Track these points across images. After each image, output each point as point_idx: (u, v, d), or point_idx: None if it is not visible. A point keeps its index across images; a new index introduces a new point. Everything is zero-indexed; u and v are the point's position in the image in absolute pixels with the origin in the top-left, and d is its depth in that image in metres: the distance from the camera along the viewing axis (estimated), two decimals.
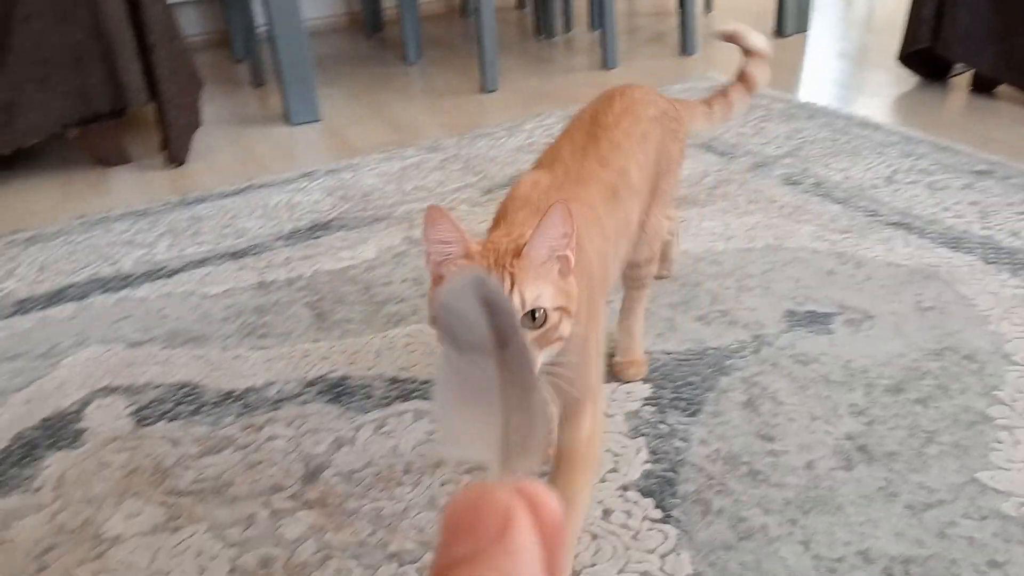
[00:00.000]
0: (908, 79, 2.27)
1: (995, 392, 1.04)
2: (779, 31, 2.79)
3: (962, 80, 2.21)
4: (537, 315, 0.72)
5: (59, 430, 1.10)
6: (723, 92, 1.22)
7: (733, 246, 1.44)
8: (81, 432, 1.09)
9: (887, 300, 1.25)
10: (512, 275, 0.73)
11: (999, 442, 0.96)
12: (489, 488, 0.30)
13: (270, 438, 1.05)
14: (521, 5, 3.51)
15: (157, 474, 1.00)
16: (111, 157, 2.03)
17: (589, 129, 0.98)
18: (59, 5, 1.82)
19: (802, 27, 2.83)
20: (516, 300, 0.72)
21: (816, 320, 1.21)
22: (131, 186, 1.92)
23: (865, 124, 1.94)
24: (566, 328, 0.75)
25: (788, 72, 2.47)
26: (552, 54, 2.83)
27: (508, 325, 0.30)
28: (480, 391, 0.31)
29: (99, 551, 0.90)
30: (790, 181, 1.67)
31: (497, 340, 0.31)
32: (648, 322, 1.22)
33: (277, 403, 1.11)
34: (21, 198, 1.89)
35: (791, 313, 1.23)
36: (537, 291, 0.73)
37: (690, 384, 1.09)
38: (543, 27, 3.04)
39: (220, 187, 1.84)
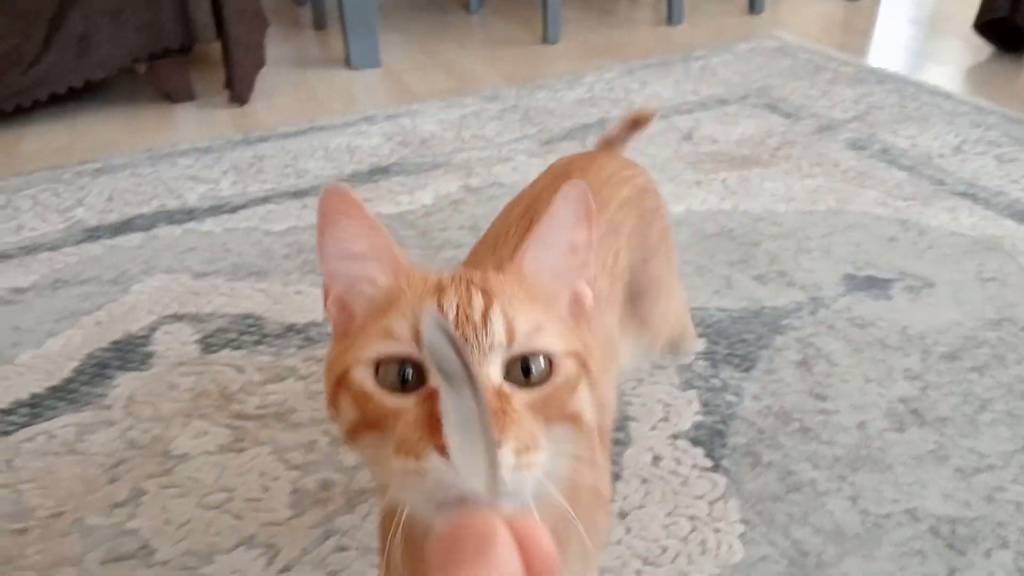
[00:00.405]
0: (982, 48, 2.20)
1: None
2: None
3: None
4: (535, 365, 0.45)
5: (128, 352, 1.14)
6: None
7: (794, 208, 1.43)
8: (150, 355, 1.13)
9: (948, 269, 1.24)
10: (485, 291, 0.46)
11: None
12: (469, 513, 0.34)
13: None
14: None
15: (222, 398, 1.04)
16: (177, 93, 2.06)
17: (533, 219, 0.66)
18: None
19: None
20: (497, 330, 0.44)
21: (875, 285, 1.21)
22: (195, 122, 1.96)
23: (935, 92, 1.90)
24: (585, 398, 0.47)
25: (859, 36, 2.42)
26: (616, 7, 2.80)
27: (470, 365, 0.33)
28: (468, 423, 0.34)
29: (167, 467, 0.94)
30: (856, 146, 1.65)
31: (468, 376, 0.33)
32: (704, 279, 1.23)
33: None
34: (90, 130, 1.94)
35: (850, 277, 1.23)
36: (534, 320, 0.46)
37: (744, 341, 1.10)
38: None
39: (282, 127, 1.87)
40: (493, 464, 0.35)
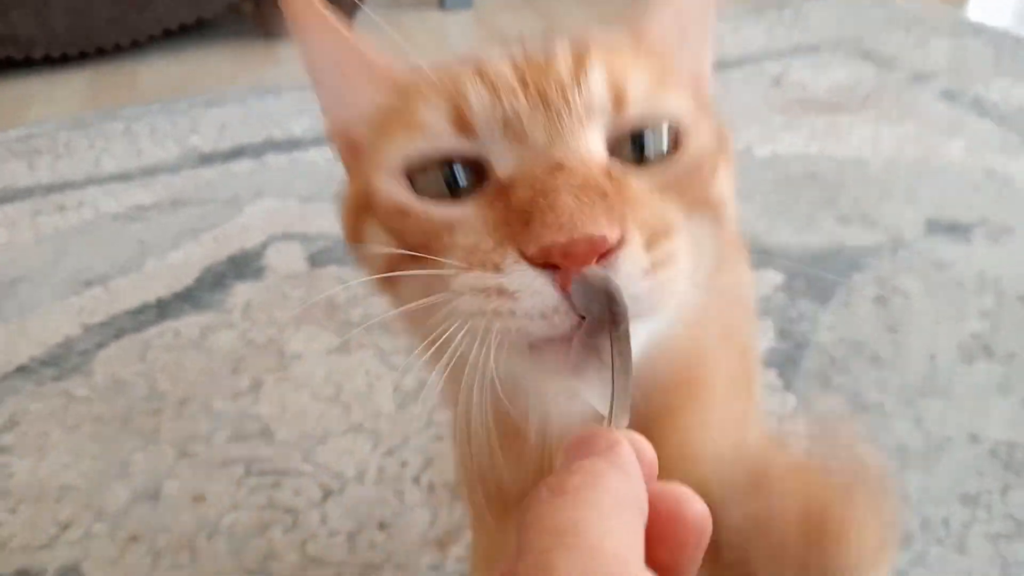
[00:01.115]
0: None
1: None
2: None
3: None
4: (654, 137, 0.36)
5: (243, 265, 1.25)
6: None
7: (881, 154, 1.45)
8: (263, 268, 1.23)
9: None
10: (575, 43, 0.37)
11: None
12: (598, 427, 0.32)
13: None
14: None
15: (330, 307, 1.13)
16: (279, 30, 2.16)
17: None
18: None
19: None
20: (597, 88, 0.35)
21: (956, 229, 1.23)
22: (297, 59, 2.05)
23: None
24: (727, 187, 0.39)
25: None
26: None
27: (623, 324, 0.31)
28: (602, 365, 0.33)
29: (283, 364, 1.04)
30: (948, 96, 1.65)
31: (615, 330, 0.31)
32: (786, 216, 1.27)
33: None
34: (201, 64, 2.05)
35: (932, 221, 1.25)
36: (653, 77, 0.36)
37: (822, 279, 1.14)
38: None
39: None
40: (622, 408, 0.32)
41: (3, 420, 0.99)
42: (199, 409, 0.98)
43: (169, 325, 1.12)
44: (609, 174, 0.34)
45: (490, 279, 0.31)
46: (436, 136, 0.35)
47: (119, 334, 1.12)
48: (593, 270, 0.31)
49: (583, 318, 0.32)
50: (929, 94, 1.66)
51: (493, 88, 0.35)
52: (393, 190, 0.36)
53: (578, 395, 0.33)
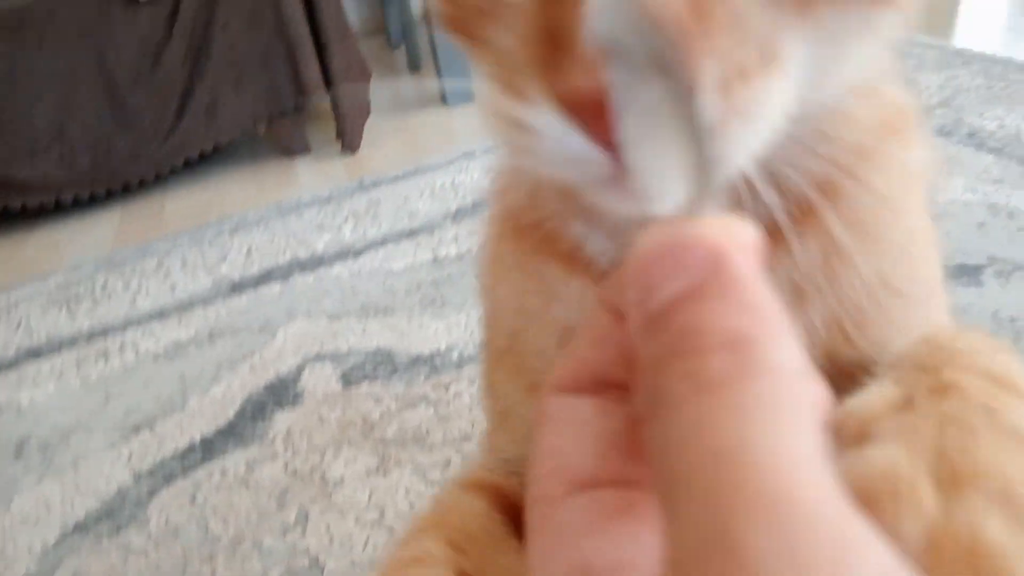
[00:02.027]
0: None
1: None
2: None
3: None
4: None
5: (281, 392, 1.30)
6: None
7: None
8: (300, 394, 1.28)
9: None
10: None
11: None
12: (682, 224, 0.22)
13: (456, 395, 1.20)
14: None
15: (366, 426, 1.18)
16: (295, 148, 2.26)
17: None
18: (248, 12, 2.04)
19: None
20: None
21: (966, 272, 1.25)
22: (314, 174, 2.14)
23: (1022, 69, 1.90)
24: None
25: (943, 15, 2.40)
26: None
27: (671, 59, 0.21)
28: (659, 130, 0.22)
29: (327, 491, 1.08)
30: (943, 132, 1.68)
31: (660, 71, 0.22)
32: None
33: (460, 364, 1.27)
34: (222, 189, 2.15)
35: (942, 266, 1.27)
36: None
37: None
38: None
39: (391, 171, 2.02)
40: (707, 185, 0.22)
41: None
42: (251, 548, 1.02)
43: (216, 464, 1.17)
44: None
45: (513, 109, 0.25)
46: None
47: (169, 479, 1.17)
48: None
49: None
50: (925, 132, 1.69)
51: None
52: None
53: (637, 184, 0.23)
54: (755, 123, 0.24)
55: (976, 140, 1.62)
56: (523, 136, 0.25)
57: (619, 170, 0.23)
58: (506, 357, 0.38)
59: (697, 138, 0.22)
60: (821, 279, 0.34)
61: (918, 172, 0.42)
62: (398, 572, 0.36)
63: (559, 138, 0.23)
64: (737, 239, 0.22)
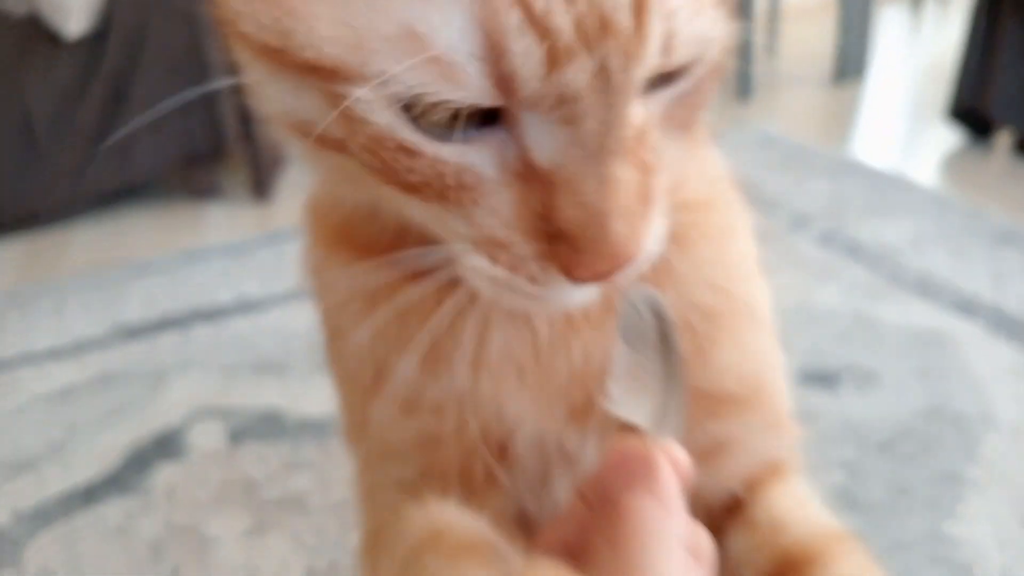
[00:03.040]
0: (958, 134, 2.35)
1: (973, 452, 1.18)
2: (837, 76, 2.90)
3: (1008, 140, 2.30)
4: (686, 70, 0.33)
5: (167, 444, 1.31)
6: None
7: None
8: (185, 447, 1.30)
9: (892, 362, 1.38)
10: None
11: (966, 497, 1.10)
12: (635, 443, 0.36)
13: (341, 463, 1.24)
14: None
15: (248, 486, 1.21)
16: (206, 191, 2.28)
17: None
18: (171, 59, 2.07)
19: (858, 73, 2.93)
20: (653, 40, 0.29)
21: (824, 379, 1.36)
22: (223, 220, 2.16)
23: (901, 184, 2.06)
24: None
25: (839, 123, 2.59)
26: None
27: (671, 337, 0.37)
28: (645, 377, 0.37)
29: (202, 547, 1.10)
30: (824, 240, 1.81)
31: (663, 344, 0.37)
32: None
33: None
34: (130, 229, 2.15)
35: (803, 371, 1.38)
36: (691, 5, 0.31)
37: None
38: None
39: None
40: (675, 423, 0.38)
41: None
42: None
43: (97, 511, 1.18)
44: (642, 141, 0.31)
45: (526, 287, 0.30)
46: (464, 84, 0.27)
47: (48, 522, 1.18)
48: (638, 290, 0.35)
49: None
50: (807, 239, 1.82)
51: (548, 42, 0.26)
52: (396, 126, 0.29)
53: (617, 409, 0.36)
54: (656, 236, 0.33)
55: (852, 250, 1.76)
56: (528, 292, 0.31)
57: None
58: (375, 388, 0.43)
59: (674, 388, 0.37)
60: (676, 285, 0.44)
61: (737, 223, 0.52)
62: (451, 565, 0.37)
63: (570, 297, 0.32)
64: (673, 458, 0.36)
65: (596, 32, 0.26)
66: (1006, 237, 1.77)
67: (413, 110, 0.28)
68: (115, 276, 1.88)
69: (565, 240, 0.30)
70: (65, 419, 1.40)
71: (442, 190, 0.29)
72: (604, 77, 0.28)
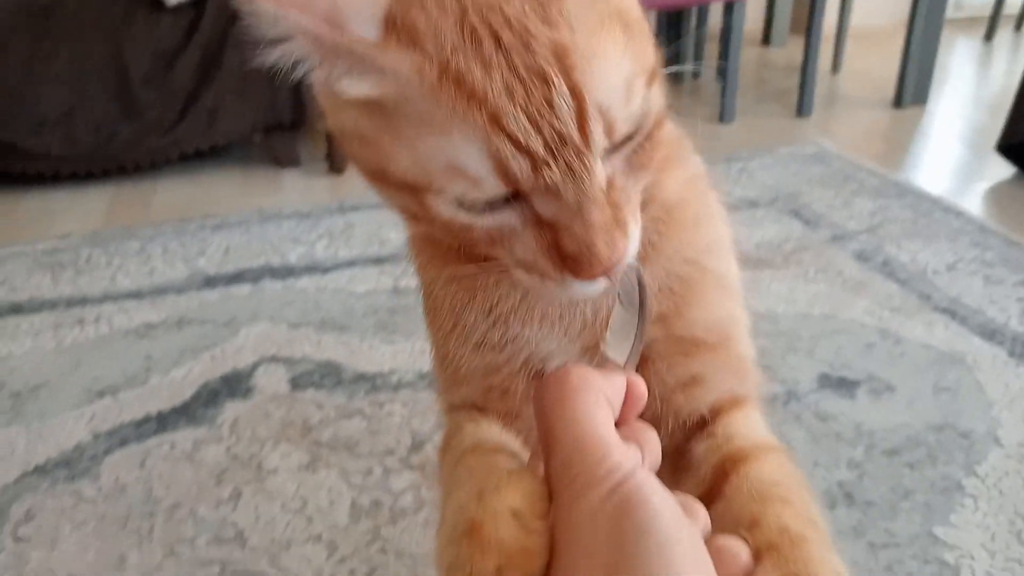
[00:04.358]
0: (1011, 167, 2.39)
1: (975, 467, 1.26)
2: (897, 101, 2.94)
3: None
4: (631, 139, 0.45)
5: (235, 384, 1.45)
6: None
7: (793, 310, 1.67)
8: (251, 388, 1.44)
9: (911, 377, 1.46)
10: (570, 84, 0.41)
11: (962, 506, 1.18)
12: (612, 365, 0.50)
13: (389, 414, 1.37)
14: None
15: (305, 427, 1.34)
16: (285, 160, 2.42)
17: None
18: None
19: (920, 99, 2.96)
20: (597, 137, 0.42)
21: (844, 385, 1.44)
22: (299, 187, 2.30)
23: (948, 209, 2.12)
24: (656, 98, 0.47)
25: (894, 147, 2.64)
26: (675, 100, 3.06)
27: (645, 300, 0.52)
28: (627, 328, 0.52)
29: (260, 477, 1.24)
30: (861, 256, 1.88)
31: (640, 305, 0.52)
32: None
33: (397, 387, 1.43)
34: (211, 187, 2.30)
35: (825, 376, 1.46)
36: (625, 86, 0.43)
37: None
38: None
39: (371, 199, 2.18)
40: (635, 356, 0.52)
41: (22, 513, 1.18)
42: (186, 514, 1.17)
43: (167, 437, 1.32)
44: (611, 187, 0.45)
45: (554, 287, 0.46)
46: (490, 187, 0.42)
47: (124, 443, 1.32)
48: (631, 266, 0.48)
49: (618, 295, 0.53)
50: (845, 254, 1.89)
51: (532, 159, 0.41)
52: (455, 214, 0.44)
53: (606, 350, 0.51)
54: (634, 239, 0.47)
55: (888, 268, 1.83)
56: (552, 288, 0.47)
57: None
58: (452, 332, 0.59)
59: (638, 332, 0.52)
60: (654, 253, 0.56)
61: (708, 214, 0.64)
62: (476, 460, 0.52)
63: (585, 289, 0.46)
64: (633, 382, 0.48)
65: (557, 145, 0.41)
66: None
67: (464, 203, 0.44)
68: (196, 228, 2.03)
69: (571, 259, 0.44)
70: (143, 353, 1.55)
71: (491, 239, 0.46)
72: (569, 169, 0.42)
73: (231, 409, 1.39)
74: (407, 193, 0.45)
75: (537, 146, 0.41)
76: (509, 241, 0.45)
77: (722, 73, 2.88)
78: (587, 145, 0.42)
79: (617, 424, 0.47)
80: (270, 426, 1.34)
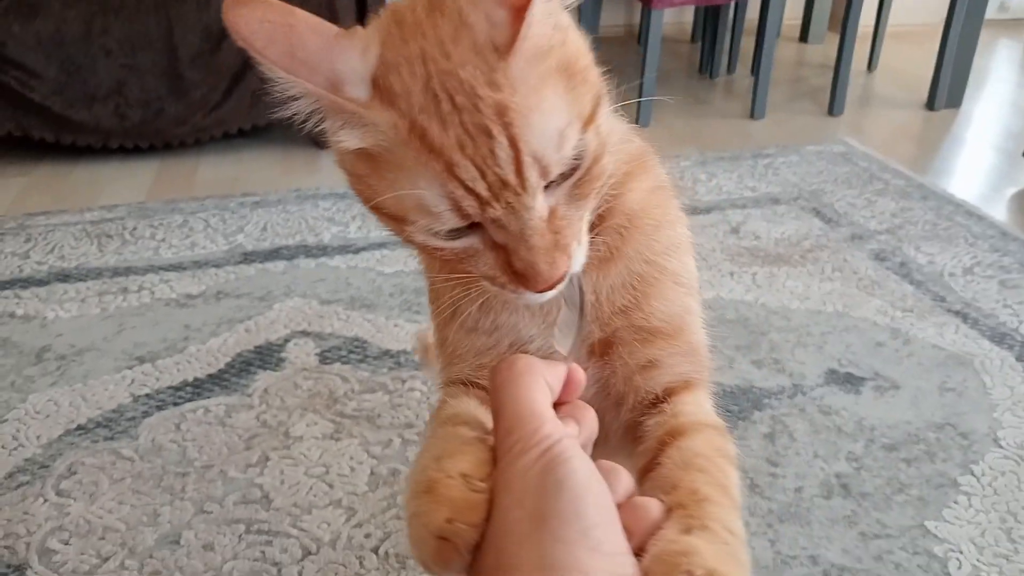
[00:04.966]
0: None
1: (971, 466, 1.30)
2: (930, 103, 2.95)
3: None
4: (569, 174, 0.52)
5: (267, 356, 1.53)
6: None
7: (806, 306, 1.71)
8: (282, 360, 1.52)
9: (917, 376, 1.50)
10: (508, 134, 0.48)
11: (956, 503, 1.23)
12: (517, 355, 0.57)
13: (410, 389, 1.44)
14: (694, 39, 3.78)
15: (331, 399, 1.41)
16: (323, 142, 2.49)
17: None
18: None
19: (955, 102, 2.97)
20: (533, 180, 0.49)
21: (850, 381, 1.49)
22: (336, 169, 2.37)
23: (970, 213, 2.14)
24: (604, 125, 0.54)
25: (924, 149, 2.65)
26: (709, 95, 3.11)
27: (583, 302, 0.61)
28: (570, 325, 0.61)
29: (287, 444, 1.31)
30: (878, 256, 1.92)
31: (580, 306, 0.61)
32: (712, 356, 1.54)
33: (418, 366, 1.50)
34: (252, 166, 2.39)
35: (832, 371, 1.51)
36: (558, 132, 0.49)
37: (728, 412, 1.40)
38: (707, 65, 3.31)
39: None
40: (575, 347, 0.62)
41: (64, 468, 1.27)
42: (217, 475, 1.25)
43: (201, 402, 1.41)
44: (553, 215, 0.52)
45: (511, 295, 0.54)
46: (449, 220, 0.50)
47: (161, 406, 1.41)
48: (573, 274, 0.55)
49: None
50: (863, 253, 1.93)
51: (479, 199, 0.49)
52: (427, 239, 0.52)
53: (553, 336, 0.61)
54: (577, 256, 0.55)
55: (905, 270, 1.86)
56: (516, 295, 0.54)
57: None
58: (451, 318, 0.67)
59: (578, 329, 0.61)
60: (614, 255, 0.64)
61: (667, 220, 0.69)
62: (444, 430, 0.58)
63: (536, 297, 0.53)
64: (574, 369, 0.58)
65: (498, 188, 0.48)
66: None
67: (432, 232, 0.52)
68: (236, 205, 2.12)
69: (520, 275, 0.52)
70: (182, 323, 1.63)
71: (460, 258, 0.54)
72: (510, 206, 0.49)
73: (262, 379, 1.47)
74: (393, 222, 0.54)
75: (482, 189, 0.48)
76: (475, 259, 0.53)
77: (755, 69, 2.90)
78: (523, 187, 0.49)
79: (559, 404, 0.56)
80: (298, 396, 1.42)
